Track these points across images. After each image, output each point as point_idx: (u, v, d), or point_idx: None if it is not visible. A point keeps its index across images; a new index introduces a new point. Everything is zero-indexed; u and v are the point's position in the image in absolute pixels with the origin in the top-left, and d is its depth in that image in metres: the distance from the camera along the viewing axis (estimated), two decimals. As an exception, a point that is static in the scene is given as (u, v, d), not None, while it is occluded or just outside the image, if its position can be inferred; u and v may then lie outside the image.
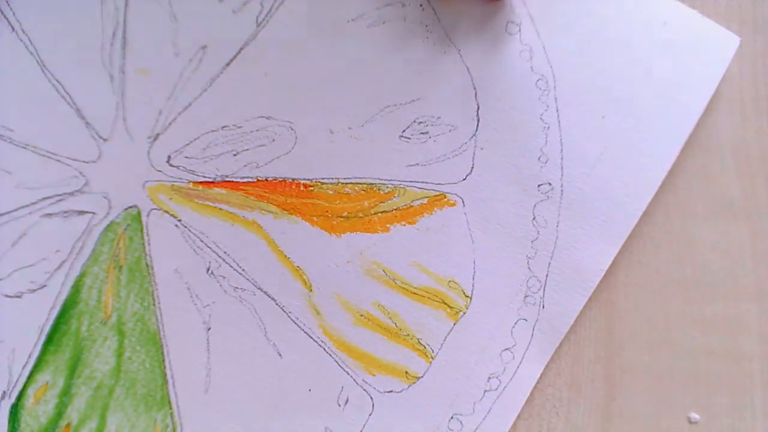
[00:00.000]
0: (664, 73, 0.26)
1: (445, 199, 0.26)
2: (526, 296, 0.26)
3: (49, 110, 0.26)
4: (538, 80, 0.26)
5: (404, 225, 0.26)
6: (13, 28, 0.26)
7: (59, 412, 0.26)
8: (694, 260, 0.27)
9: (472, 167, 0.26)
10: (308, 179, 0.26)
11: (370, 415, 0.26)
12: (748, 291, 0.27)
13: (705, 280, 0.27)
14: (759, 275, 0.27)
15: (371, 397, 0.26)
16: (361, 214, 0.26)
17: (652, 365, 0.26)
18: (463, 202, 0.26)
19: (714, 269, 0.27)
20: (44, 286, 0.26)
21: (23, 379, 0.26)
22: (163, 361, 0.26)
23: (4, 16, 0.26)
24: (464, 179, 0.26)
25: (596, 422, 0.26)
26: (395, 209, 0.26)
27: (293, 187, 0.26)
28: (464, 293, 0.26)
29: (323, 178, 0.26)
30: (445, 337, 0.26)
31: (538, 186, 0.26)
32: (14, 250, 0.26)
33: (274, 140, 0.26)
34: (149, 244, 0.26)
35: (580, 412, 0.26)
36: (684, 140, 0.26)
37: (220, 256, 0.26)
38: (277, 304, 0.26)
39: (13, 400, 0.26)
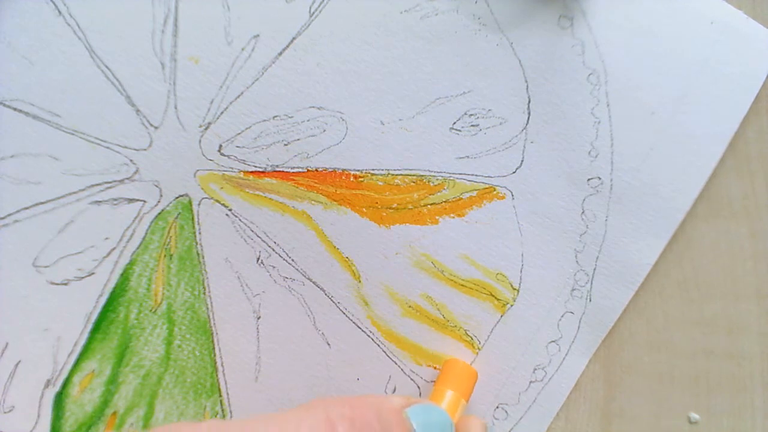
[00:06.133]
0: (711, 71, 0.26)
1: (495, 192, 0.27)
2: (573, 289, 0.26)
3: (98, 97, 0.26)
4: (589, 75, 0.26)
5: (453, 217, 0.26)
6: (59, 12, 0.26)
7: (105, 401, 0.26)
8: (693, 260, 0.27)
9: (522, 160, 0.26)
10: (358, 170, 0.26)
11: (417, 404, 0.26)
12: (748, 291, 0.27)
13: (705, 280, 0.27)
14: (759, 275, 0.27)
15: (418, 387, 0.26)
16: (410, 206, 0.26)
17: (652, 365, 0.27)
18: (513, 195, 0.26)
19: (714, 269, 0.27)
20: (92, 273, 0.26)
21: (69, 367, 0.26)
22: (213, 349, 0.26)
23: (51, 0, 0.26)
24: (514, 172, 0.26)
25: (596, 422, 0.27)
26: (444, 201, 0.26)
27: (343, 177, 0.26)
28: (512, 286, 0.26)
29: (373, 170, 0.26)
30: (492, 329, 0.26)
31: (588, 180, 0.26)
32: (61, 237, 0.26)
33: (324, 131, 0.26)
34: (200, 233, 0.26)
35: (580, 412, 0.27)
36: (729, 138, 0.26)
37: (270, 246, 0.26)
38: (326, 294, 0.26)
39: (57, 388, 0.26)
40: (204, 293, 0.26)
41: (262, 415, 0.18)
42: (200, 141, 0.26)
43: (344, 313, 0.26)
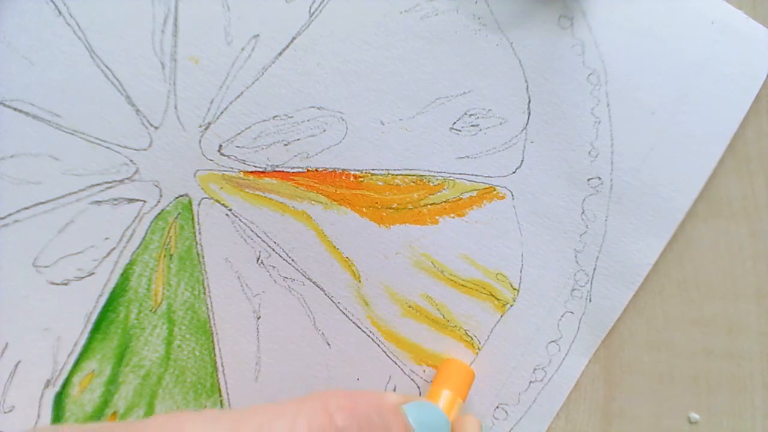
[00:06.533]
0: (711, 71, 0.26)
1: (495, 192, 0.27)
2: (573, 289, 0.26)
3: (98, 97, 0.26)
4: (589, 75, 0.26)
5: (453, 217, 0.26)
6: (59, 12, 0.26)
7: (105, 401, 0.26)
8: (693, 260, 0.27)
9: (522, 160, 0.26)
10: (358, 170, 0.26)
11: (417, 404, 0.26)
12: (748, 291, 0.27)
13: (705, 280, 0.27)
14: (759, 275, 0.27)
15: (418, 386, 0.26)
16: (410, 206, 0.26)
17: (652, 365, 0.27)
18: (513, 195, 0.26)
19: (714, 269, 0.27)
20: (92, 273, 0.26)
21: (69, 367, 0.26)
22: (213, 349, 0.26)
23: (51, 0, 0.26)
24: (514, 172, 0.26)
25: (596, 422, 0.27)
26: (444, 201, 0.26)
27: (343, 177, 0.26)
28: (512, 286, 0.26)
29: (373, 170, 0.26)
30: (492, 329, 0.26)
31: (588, 180, 0.26)
32: (61, 237, 0.26)
33: (324, 130, 0.26)
34: (200, 233, 0.26)
35: (580, 412, 0.27)
36: (729, 138, 0.26)
37: (270, 246, 0.26)
38: (326, 294, 0.26)
39: (57, 388, 0.26)
40: (204, 293, 0.26)
41: (262, 404, 0.18)
42: (200, 141, 0.26)
43: (344, 313, 0.26)
